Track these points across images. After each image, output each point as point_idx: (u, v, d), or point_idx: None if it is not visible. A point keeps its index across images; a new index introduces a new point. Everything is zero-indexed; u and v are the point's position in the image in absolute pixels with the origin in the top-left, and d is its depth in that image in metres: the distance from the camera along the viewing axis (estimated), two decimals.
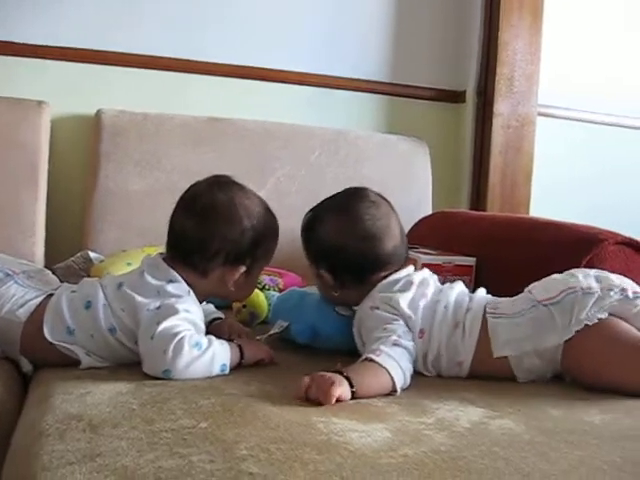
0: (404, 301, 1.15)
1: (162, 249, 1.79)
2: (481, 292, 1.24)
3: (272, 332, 1.30)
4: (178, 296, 1.13)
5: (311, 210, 1.29)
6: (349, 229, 1.22)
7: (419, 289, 1.18)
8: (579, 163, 2.45)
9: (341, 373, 0.99)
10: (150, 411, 0.90)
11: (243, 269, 1.18)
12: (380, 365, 1.03)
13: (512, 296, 1.22)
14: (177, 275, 1.16)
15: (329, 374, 0.98)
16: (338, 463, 0.76)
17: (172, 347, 1.04)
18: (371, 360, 1.04)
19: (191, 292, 1.16)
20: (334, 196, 1.29)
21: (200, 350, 1.06)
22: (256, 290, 1.46)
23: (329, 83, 2.23)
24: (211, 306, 1.36)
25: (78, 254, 1.83)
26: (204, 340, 1.08)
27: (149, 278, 1.16)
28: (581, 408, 1.00)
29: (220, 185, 1.21)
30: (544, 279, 1.22)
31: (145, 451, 0.78)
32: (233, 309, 1.46)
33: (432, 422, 0.91)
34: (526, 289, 1.22)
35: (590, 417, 0.97)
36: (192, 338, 1.06)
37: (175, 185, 1.94)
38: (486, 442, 0.85)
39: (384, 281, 1.20)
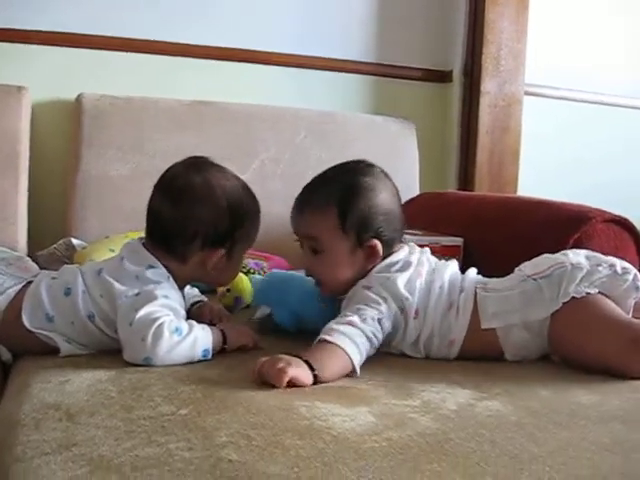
0: (401, 281, 1.13)
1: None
2: (472, 272, 1.23)
3: (254, 318, 1.28)
4: (157, 282, 1.10)
5: (325, 182, 1.20)
6: (394, 192, 1.21)
7: (416, 269, 1.17)
8: (567, 142, 2.44)
9: (300, 357, 0.97)
10: (129, 398, 0.88)
11: (222, 252, 1.15)
12: (336, 345, 1.01)
13: (501, 276, 1.21)
14: (156, 260, 1.14)
15: (286, 356, 0.96)
16: (320, 448, 0.74)
17: (151, 333, 1.02)
18: (325, 341, 1.02)
19: (170, 278, 1.13)
20: (344, 165, 1.23)
21: (180, 336, 1.04)
22: (240, 274, 1.44)
23: (314, 64, 2.20)
24: (195, 290, 1.34)
25: (60, 241, 1.80)
26: (184, 325, 1.06)
27: (128, 264, 1.14)
28: (569, 389, 0.98)
29: (197, 166, 1.18)
30: (534, 258, 1.20)
31: (122, 439, 0.76)
32: (217, 293, 1.43)
33: (418, 405, 0.89)
34: (516, 268, 1.20)
35: (578, 398, 0.95)
36: (172, 324, 1.04)
37: (158, 169, 1.86)
38: (473, 424, 0.83)
39: (382, 263, 1.17)
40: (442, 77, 2.32)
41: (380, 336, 1.08)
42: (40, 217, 1.90)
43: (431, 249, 1.26)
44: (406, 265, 1.16)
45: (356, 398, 0.91)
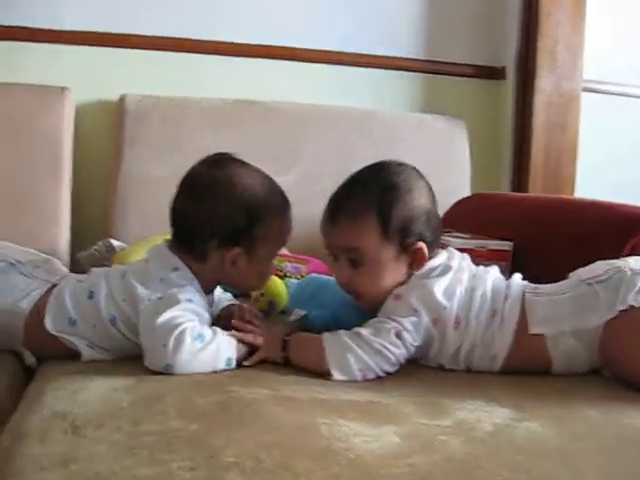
0: (439, 288, 1.06)
1: None
2: (517, 277, 1.14)
3: (289, 320, 1.22)
4: (181, 285, 1.06)
5: (357, 186, 1.12)
6: (429, 190, 1.14)
7: (456, 275, 1.09)
8: (628, 141, 2.30)
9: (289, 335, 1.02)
10: (140, 410, 0.83)
11: (238, 250, 1.09)
12: (322, 344, 1.00)
13: (553, 282, 1.12)
14: (181, 262, 1.09)
15: (275, 335, 1.03)
16: (334, 473, 0.67)
17: (173, 340, 0.97)
18: (322, 337, 1.02)
19: (195, 281, 1.09)
20: (374, 167, 1.14)
21: (203, 343, 0.99)
22: (274, 277, 1.39)
23: (360, 62, 2.13)
24: (228, 295, 1.29)
25: (100, 242, 1.79)
26: (208, 332, 1.01)
27: (152, 267, 1.10)
28: (620, 409, 0.89)
29: (218, 163, 1.13)
30: (589, 265, 1.11)
31: (123, 456, 0.71)
32: (252, 298, 1.38)
33: (450, 425, 0.82)
34: (570, 274, 1.12)
35: (630, 420, 0.86)
36: (194, 330, 0.99)
37: None
38: (508, 449, 0.75)
39: (422, 269, 1.10)
40: (494, 73, 2.22)
41: (398, 350, 1.01)
42: (83, 218, 1.88)
43: (476, 254, 1.19)
44: (445, 270, 1.08)
45: (383, 415, 0.84)
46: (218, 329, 1.04)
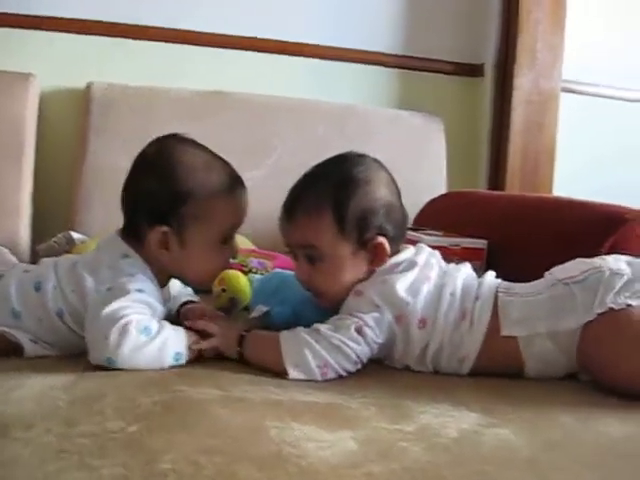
0: (401, 285, 0.99)
1: None
2: (490, 276, 1.08)
3: (251, 317, 1.16)
4: (131, 274, 0.99)
5: (314, 180, 1.06)
6: (391, 183, 1.07)
7: (422, 271, 1.03)
8: (606, 143, 2.26)
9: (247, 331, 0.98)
10: (77, 410, 0.76)
11: (164, 229, 1.00)
12: (279, 341, 0.95)
13: (527, 282, 1.06)
14: (131, 250, 1.02)
15: (232, 329, 0.98)
16: None
17: (116, 332, 0.90)
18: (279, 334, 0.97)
19: (148, 269, 1.02)
20: (332, 159, 1.08)
21: (149, 336, 0.92)
22: (237, 273, 1.33)
23: (336, 55, 2.08)
24: (188, 289, 1.22)
25: (60, 234, 1.72)
26: (155, 325, 0.94)
27: (102, 255, 1.04)
28: (597, 416, 0.83)
29: (162, 141, 1.06)
30: (567, 263, 1.06)
31: (49, 460, 0.64)
32: (213, 294, 1.31)
33: (412, 430, 0.75)
34: (546, 272, 1.06)
35: (607, 428, 0.80)
36: (140, 322, 0.92)
37: None
38: (474, 458, 0.69)
39: (385, 265, 1.04)
40: (473, 71, 2.17)
41: (359, 347, 0.95)
42: (45, 209, 1.82)
43: (449, 252, 1.13)
44: (410, 266, 1.02)
45: (340, 419, 0.77)
46: (166, 322, 0.97)
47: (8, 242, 1.69)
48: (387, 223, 1.02)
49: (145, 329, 0.92)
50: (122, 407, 0.77)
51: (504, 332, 0.98)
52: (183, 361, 0.94)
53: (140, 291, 0.97)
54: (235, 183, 1.06)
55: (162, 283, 1.07)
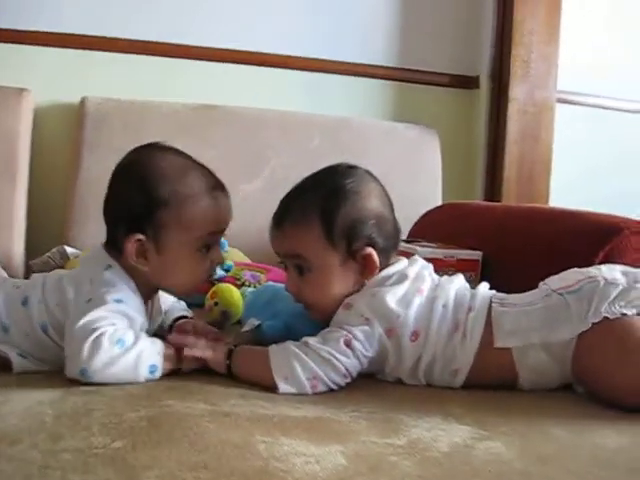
0: (392, 297, 0.98)
1: None
2: (484, 287, 1.07)
3: (242, 330, 1.15)
4: (112, 284, 0.97)
5: (303, 190, 1.05)
6: (382, 194, 1.06)
7: (414, 284, 1.01)
8: (602, 152, 2.26)
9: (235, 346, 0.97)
10: (63, 425, 0.75)
11: (139, 237, 0.98)
12: (268, 355, 0.94)
13: (523, 292, 1.05)
14: (113, 260, 1.01)
15: (219, 344, 0.98)
16: None
17: (89, 343, 0.88)
18: (268, 348, 0.96)
19: (131, 281, 1.00)
20: (323, 171, 1.08)
21: (122, 347, 0.90)
22: (230, 286, 1.32)
23: (330, 68, 2.08)
24: (182, 303, 1.21)
25: (54, 249, 1.72)
26: (130, 336, 0.92)
27: (86, 267, 1.03)
28: (592, 429, 0.82)
29: (141, 149, 1.04)
30: (561, 273, 1.05)
31: (33, 476, 0.63)
32: (205, 307, 1.30)
33: (402, 444, 0.74)
34: (541, 283, 1.05)
35: (603, 440, 0.78)
36: (116, 333, 0.90)
37: None
38: (465, 472, 0.68)
39: (375, 277, 1.03)
40: (468, 83, 2.18)
41: (348, 360, 0.94)
42: (39, 223, 1.82)
43: (444, 263, 1.12)
44: (401, 278, 1.01)
45: (330, 433, 0.76)
46: (143, 334, 0.95)
47: (2, 257, 1.70)
48: (377, 234, 1.01)
49: (119, 341, 0.90)
50: (108, 422, 0.75)
51: (498, 344, 0.96)
52: (158, 374, 0.92)
53: (119, 301, 0.96)
54: (214, 188, 1.03)
55: (147, 295, 1.05)
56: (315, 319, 1.04)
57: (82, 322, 0.91)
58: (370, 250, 1.01)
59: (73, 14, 1.89)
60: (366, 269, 1.01)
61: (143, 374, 0.91)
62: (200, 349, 0.95)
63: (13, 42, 1.84)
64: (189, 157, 1.05)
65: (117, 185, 1.02)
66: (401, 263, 1.04)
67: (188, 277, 1.04)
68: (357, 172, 1.06)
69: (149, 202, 0.98)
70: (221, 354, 0.95)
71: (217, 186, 1.04)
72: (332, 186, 1.02)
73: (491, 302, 1.01)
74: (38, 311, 1.00)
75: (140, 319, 0.99)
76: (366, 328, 0.96)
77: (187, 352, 0.96)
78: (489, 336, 0.97)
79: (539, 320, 0.97)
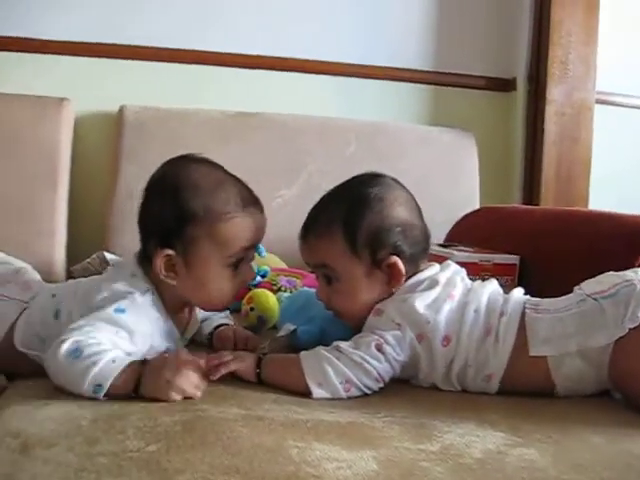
0: (421, 303, 0.98)
1: None
2: (518, 292, 1.06)
3: (278, 335, 1.15)
4: (128, 292, 0.97)
5: (328, 201, 1.06)
6: (409, 201, 1.05)
7: (445, 289, 1.01)
8: None
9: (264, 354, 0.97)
10: (99, 429, 0.76)
11: (168, 252, 0.98)
12: (299, 361, 0.93)
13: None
14: (139, 269, 1.02)
15: (240, 352, 0.98)
16: None
17: (52, 347, 0.89)
18: (300, 354, 0.95)
19: (149, 291, 0.99)
20: (348, 181, 1.08)
21: (75, 358, 0.87)
22: (265, 291, 1.32)
23: (366, 72, 2.08)
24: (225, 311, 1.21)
25: (94, 255, 1.73)
26: (91, 350, 0.87)
27: (112, 273, 1.05)
28: (629, 436, 0.81)
29: (176, 161, 1.04)
30: (597, 276, 1.03)
31: (68, 479, 0.64)
32: (241, 312, 1.31)
33: (435, 450, 0.74)
34: (575, 287, 1.03)
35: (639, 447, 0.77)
36: (80, 343, 0.88)
37: None
38: (498, 479, 0.67)
39: (406, 283, 1.02)
40: (505, 85, 2.15)
41: (380, 364, 0.94)
42: (80, 230, 1.85)
43: (481, 268, 1.11)
44: (432, 284, 1.00)
45: (363, 438, 0.76)
46: (115, 352, 0.89)
47: (44, 263, 1.72)
48: (403, 242, 1.01)
49: (75, 350, 0.87)
50: (143, 426, 0.76)
51: (532, 352, 0.95)
52: (100, 395, 0.85)
53: (121, 311, 0.94)
54: (248, 204, 1.01)
55: (179, 306, 1.06)
56: (348, 324, 1.05)
57: (72, 325, 0.92)
58: (395, 259, 1.00)
59: (111, 24, 1.91)
60: (392, 278, 1.01)
61: (85, 390, 0.86)
62: (229, 365, 0.94)
63: (53, 53, 1.88)
64: (224, 170, 1.04)
65: (149, 197, 1.02)
66: (432, 269, 1.04)
67: (217, 294, 1.02)
68: (382, 180, 1.05)
69: (180, 216, 0.97)
70: (251, 363, 0.95)
71: (251, 201, 1.02)
72: (355, 196, 1.02)
73: (524, 307, 1.00)
74: (67, 324, 0.99)
75: (144, 329, 0.96)
76: (397, 333, 0.95)
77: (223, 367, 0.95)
78: (523, 342, 0.96)
79: (574, 326, 0.95)
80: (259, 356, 0.97)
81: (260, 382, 0.94)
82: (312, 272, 1.08)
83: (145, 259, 1.02)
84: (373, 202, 1.01)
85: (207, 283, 1.01)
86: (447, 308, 0.98)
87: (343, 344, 0.95)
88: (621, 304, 0.93)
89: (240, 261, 1.02)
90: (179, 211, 0.97)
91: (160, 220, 0.99)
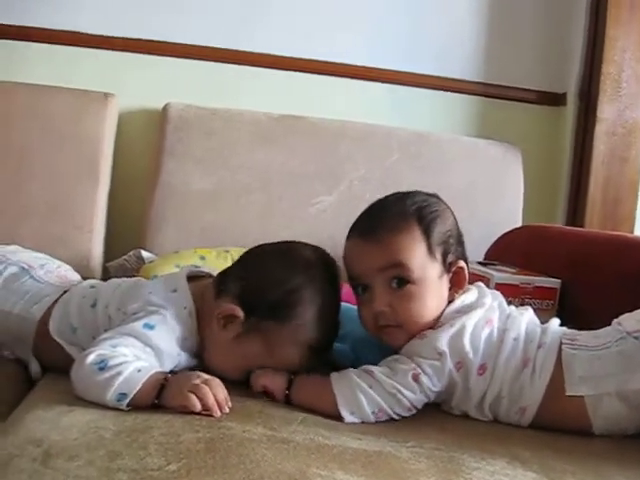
0: (468, 330, 0.95)
1: (216, 251, 1.67)
2: (555, 323, 1.02)
3: None
4: (160, 305, 0.97)
5: (389, 205, 1.02)
6: (454, 216, 1.04)
7: (485, 315, 0.98)
8: None
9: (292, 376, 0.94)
10: (121, 442, 0.75)
11: (240, 314, 0.96)
12: (331, 385, 0.91)
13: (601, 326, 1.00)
14: (185, 286, 1.01)
15: (278, 371, 0.95)
16: None
17: (80, 357, 0.90)
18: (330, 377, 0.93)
19: (186, 309, 0.99)
20: (391, 195, 1.05)
21: (101, 369, 0.87)
22: None
23: (412, 80, 2.04)
24: None
25: (131, 252, 1.75)
26: (117, 360, 0.88)
27: (159, 281, 1.05)
28: None
29: (319, 256, 1.02)
30: (637, 310, 0.99)
31: None
32: None
33: None
34: (614, 321, 1.00)
35: None
36: (104, 356, 0.88)
37: (240, 185, 1.85)
38: None
39: (452, 305, 0.99)
40: (554, 100, 2.10)
41: (414, 395, 0.91)
42: (118, 227, 1.85)
43: (521, 291, 1.07)
44: (473, 309, 0.97)
45: (388, 470, 0.74)
46: (139, 363, 0.90)
47: (81, 258, 1.74)
48: (462, 249, 1.01)
49: (102, 362, 0.88)
50: (166, 442, 0.75)
51: (569, 391, 0.92)
52: (124, 404, 0.85)
53: (150, 327, 0.94)
54: (316, 343, 0.98)
55: None
56: (392, 343, 0.99)
57: (101, 336, 0.93)
58: (463, 264, 0.99)
59: (159, 21, 1.91)
60: (457, 284, 0.99)
61: (109, 399, 0.85)
62: (258, 380, 0.94)
63: (100, 47, 1.88)
64: (338, 301, 1.01)
65: (272, 269, 1.00)
66: (472, 293, 1.01)
67: (225, 373, 0.97)
68: (428, 195, 1.04)
69: (277, 311, 0.96)
70: (281, 383, 0.93)
71: (321, 341, 0.98)
72: (419, 199, 1.01)
73: (561, 342, 0.96)
74: (102, 314, 1.02)
75: (168, 349, 0.95)
76: (436, 364, 0.92)
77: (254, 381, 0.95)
78: (559, 377, 0.93)
79: (613, 366, 0.92)
80: (290, 376, 0.94)
81: (288, 402, 0.92)
82: (360, 285, 1.00)
83: (216, 283, 1.01)
84: (436, 207, 1.00)
85: (228, 361, 0.99)
86: (485, 334, 0.96)
87: (377, 370, 0.92)
88: None
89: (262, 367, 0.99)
90: (280, 304, 0.96)
91: (264, 287, 0.98)
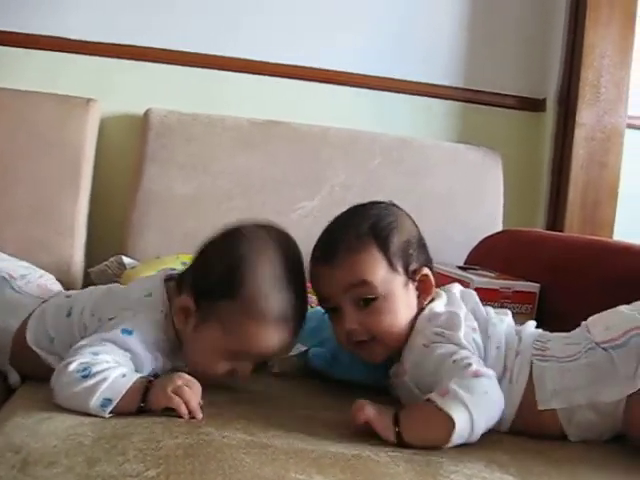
0: (462, 333, 0.96)
1: None
2: (530, 327, 1.03)
3: (287, 355, 1.14)
4: (138, 311, 0.97)
5: (344, 224, 1.03)
6: (412, 221, 1.07)
7: (466, 322, 0.98)
8: None
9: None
10: (100, 448, 0.75)
11: (190, 306, 0.96)
12: (438, 408, 0.83)
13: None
14: (160, 289, 1.01)
15: (381, 406, 0.86)
16: None
17: (61, 365, 0.90)
18: (429, 400, 0.85)
19: (164, 312, 0.99)
20: (347, 211, 1.06)
21: (84, 377, 0.87)
22: None
23: (394, 86, 2.05)
24: None
25: (112, 258, 1.74)
26: (99, 366, 0.88)
27: (134, 286, 1.06)
28: None
29: (262, 229, 1.01)
30: (607, 312, 1.00)
31: None
32: None
33: None
34: (583, 323, 1.01)
35: None
36: (87, 364, 0.88)
37: (222, 191, 1.85)
38: None
39: (423, 314, 1.00)
40: (534, 105, 2.11)
41: (489, 382, 0.89)
42: (100, 232, 1.85)
43: (501, 295, 1.09)
44: (454, 318, 0.98)
45: (366, 474, 0.74)
46: (124, 367, 0.90)
47: (62, 263, 1.73)
48: (427, 254, 1.03)
49: (84, 369, 0.88)
50: (145, 448, 0.75)
51: (541, 406, 0.92)
52: (108, 409, 0.85)
53: (128, 333, 0.94)
54: (284, 318, 0.96)
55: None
56: (370, 359, 1.00)
57: (79, 343, 0.93)
58: (427, 270, 1.00)
59: (141, 27, 1.91)
60: (424, 291, 1.01)
61: (93, 405, 0.85)
62: (365, 410, 0.86)
63: (81, 53, 1.88)
64: (296, 271, 1.00)
65: (215, 248, 0.99)
66: (440, 300, 1.02)
67: (202, 367, 0.97)
68: (385, 203, 1.06)
69: (222, 288, 0.95)
70: (388, 423, 0.85)
71: (288, 317, 0.97)
72: (374, 214, 1.02)
73: (532, 354, 0.96)
74: (78, 321, 1.03)
75: (143, 353, 0.95)
76: (465, 352, 0.93)
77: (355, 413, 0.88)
78: (532, 388, 0.93)
79: (583, 379, 0.92)
80: (395, 412, 0.87)
81: (399, 440, 0.84)
82: (330, 307, 1.02)
83: (178, 284, 1.01)
84: (391, 219, 1.01)
85: (201, 354, 0.98)
86: (477, 339, 0.97)
87: (454, 384, 0.85)
88: (632, 357, 0.90)
89: (241, 359, 0.98)
90: (226, 285, 0.95)
91: (207, 273, 0.97)
